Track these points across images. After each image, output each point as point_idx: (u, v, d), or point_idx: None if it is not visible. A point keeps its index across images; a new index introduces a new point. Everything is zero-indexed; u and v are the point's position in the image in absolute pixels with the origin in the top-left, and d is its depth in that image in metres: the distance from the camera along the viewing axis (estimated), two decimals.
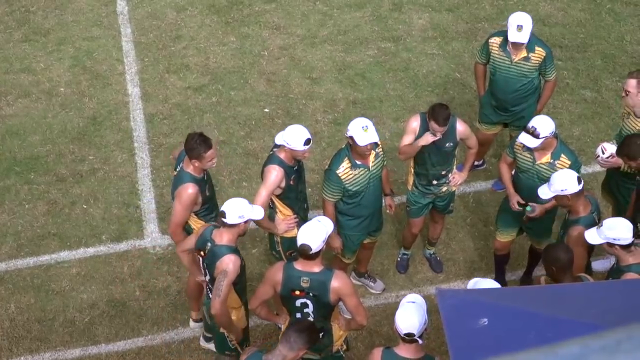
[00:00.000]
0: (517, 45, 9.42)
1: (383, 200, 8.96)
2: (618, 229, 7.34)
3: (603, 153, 8.65)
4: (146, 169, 10.90)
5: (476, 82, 10.13)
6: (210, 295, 7.81)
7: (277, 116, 11.57)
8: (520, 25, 9.30)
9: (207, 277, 7.75)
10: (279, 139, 8.20)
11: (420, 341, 6.78)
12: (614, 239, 7.33)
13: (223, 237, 7.51)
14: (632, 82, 8.50)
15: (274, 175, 8.16)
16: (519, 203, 8.63)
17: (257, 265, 9.71)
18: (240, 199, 7.63)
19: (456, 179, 9.09)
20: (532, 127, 8.17)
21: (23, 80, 12.27)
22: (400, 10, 13.31)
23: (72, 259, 9.96)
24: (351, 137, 8.17)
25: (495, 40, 9.63)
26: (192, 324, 9.24)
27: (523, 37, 9.32)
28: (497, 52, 9.59)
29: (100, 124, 11.55)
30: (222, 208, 7.48)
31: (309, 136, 8.14)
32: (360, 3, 13.48)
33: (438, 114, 8.50)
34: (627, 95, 8.56)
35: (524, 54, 9.46)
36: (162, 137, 11.35)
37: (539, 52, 9.48)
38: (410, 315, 6.78)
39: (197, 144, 7.97)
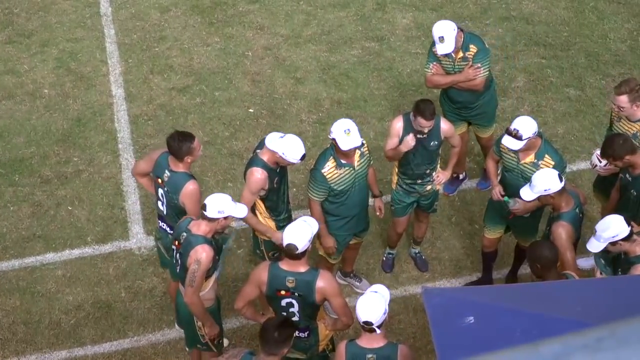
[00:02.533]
0: (447, 54, 9.43)
1: (371, 201, 8.97)
2: (612, 226, 7.37)
3: (600, 162, 8.67)
4: (131, 170, 10.87)
5: (436, 83, 9.94)
6: (181, 288, 7.85)
7: (262, 116, 11.57)
8: (441, 37, 9.30)
9: (179, 267, 7.76)
10: (273, 144, 8.14)
11: (378, 331, 6.79)
12: (614, 237, 7.36)
13: (200, 228, 7.53)
14: (624, 99, 8.50)
15: (257, 177, 8.16)
16: (500, 194, 8.65)
17: (243, 265, 9.70)
18: (225, 195, 7.65)
19: (440, 177, 9.11)
20: (515, 129, 8.18)
21: (7, 82, 12.22)
22: (384, 9, 13.32)
23: (57, 260, 9.94)
24: (334, 140, 8.19)
25: (436, 48, 9.58)
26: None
27: (447, 47, 9.32)
28: (441, 58, 9.57)
29: (84, 126, 11.53)
30: (205, 200, 7.51)
31: (305, 151, 8.16)
32: (344, 3, 13.48)
33: (424, 109, 8.54)
34: (620, 110, 8.58)
35: (460, 54, 9.48)
36: (146, 138, 11.33)
37: (472, 49, 9.50)
38: (370, 304, 6.81)
39: (180, 141, 8.00)
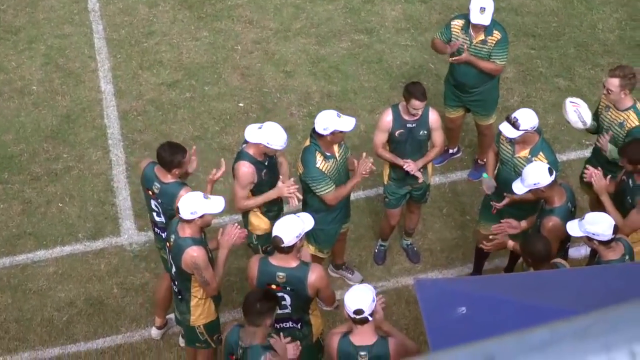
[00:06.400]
0: (478, 28, 9.47)
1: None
2: (599, 224, 7.34)
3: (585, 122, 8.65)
4: (121, 166, 10.86)
5: (436, 49, 10.03)
6: (176, 290, 7.93)
7: (252, 110, 11.55)
8: (483, 8, 9.36)
9: (174, 270, 7.76)
10: (254, 137, 8.17)
11: (370, 319, 6.79)
12: (593, 234, 7.34)
13: (185, 231, 7.52)
14: (615, 82, 8.48)
15: (244, 171, 8.19)
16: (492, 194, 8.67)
17: (235, 259, 9.67)
18: (195, 193, 7.60)
19: (411, 164, 8.91)
20: (514, 117, 8.18)
21: None
22: (372, 2, 13.30)
23: (48, 257, 9.91)
24: (333, 133, 8.18)
25: (458, 23, 9.68)
26: (154, 331, 9.16)
27: (485, 19, 9.38)
28: (458, 33, 9.62)
29: (73, 122, 11.49)
30: (177, 203, 7.48)
31: (286, 135, 8.24)
32: None
33: (415, 90, 8.63)
34: (609, 93, 8.55)
35: (482, 36, 9.52)
36: (136, 134, 11.30)
37: (496, 35, 9.54)
38: (358, 293, 6.83)
39: (171, 153, 7.99)
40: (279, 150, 8.25)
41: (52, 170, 10.84)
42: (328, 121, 8.20)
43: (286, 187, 8.32)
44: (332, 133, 8.20)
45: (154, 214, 8.37)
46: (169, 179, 8.07)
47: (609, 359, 1.48)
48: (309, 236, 8.69)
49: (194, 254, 7.45)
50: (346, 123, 8.21)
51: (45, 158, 10.99)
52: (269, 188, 8.41)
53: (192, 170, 8.33)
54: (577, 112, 8.66)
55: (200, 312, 7.87)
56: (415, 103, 8.61)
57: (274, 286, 7.38)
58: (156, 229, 8.52)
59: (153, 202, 8.28)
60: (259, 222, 8.54)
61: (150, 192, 8.24)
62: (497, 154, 8.76)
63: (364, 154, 8.57)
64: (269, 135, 8.11)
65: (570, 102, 8.71)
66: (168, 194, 8.04)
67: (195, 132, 11.26)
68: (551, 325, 1.52)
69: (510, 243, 8.19)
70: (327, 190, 8.40)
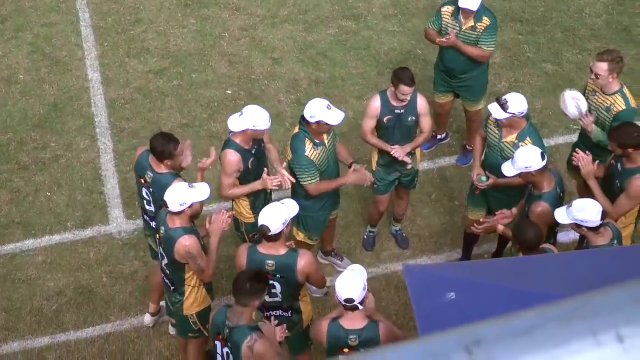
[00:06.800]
0: (467, 13, 9.48)
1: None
2: (587, 211, 7.34)
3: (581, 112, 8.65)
4: (109, 155, 10.83)
5: (430, 40, 10.07)
6: (167, 282, 7.93)
7: (240, 98, 11.53)
8: None
9: (165, 261, 7.75)
10: (238, 126, 8.13)
11: (360, 307, 6.82)
12: (582, 221, 7.34)
13: (175, 222, 7.51)
14: (603, 66, 8.47)
15: (230, 159, 8.17)
16: (478, 175, 8.65)
17: (225, 247, 9.64)
18: (180, 184, 7.59)
19: (398, 150, 8.94)
20: (505, 99, 8.18)
21: None
22: None
23: (37, 247, 9.89)
24: (319, 123, 8.17)
25: (448, 9, 9.70)
26: (147, 318, 9.15)
27: (473, 4, 9.39)
28: (448, 20, 9.64)
29: (61, 111, 11.46)
30: (164, 197, 7.46)
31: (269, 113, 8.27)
32: None
33: (404, 76, 8.64)
34: (597, 78, 8.55)
35: (471, 22, 9.52)
36: (124, 122, 11.28)
37: (485, 22, 9.54)
38: (349, 282, 6.84)
39: (164, 144, 7.96)
40: (266, 130, 8.23)
41: (40, 159, 10.81)
42: (316, 110, 8.18)
43: (270, 180, 8.31)
44: (318, 123, 8.18)
45: (145, 202, 8.36)
46: (162, 169, 8.06)
47: (595, 343, 1.49)
48: (299, 223, 8.70)
49: (186, 243, 7.45)
50: (334, 117, 8.17)
51: (33, 147, 10.96)
52: (255, 177, 8.40)
53: (186, 164, 8.31)
54: (578, 106, 8.66)
55: (193, 300, 7.87)
56: (404, 89, 8.61)
57: None
58: (145, 216, 8.52)
59: (145, 191, 8.27)
60: (243, 210, 8.53)
61: (142, 180, 8.23)
62: (485, 139, 8.76)
63: (365, 167, 8.62)
64: (252, 118, 8.10)
65: (573, 97, 8.68)
66: (161, 184, 8.03)
67: (183, 120, 11.24)
68: (537, 309, 1.52)
69: (500, 227, 8.21)
70: (310, 181, 8.38)
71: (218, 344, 7.10)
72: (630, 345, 1.50)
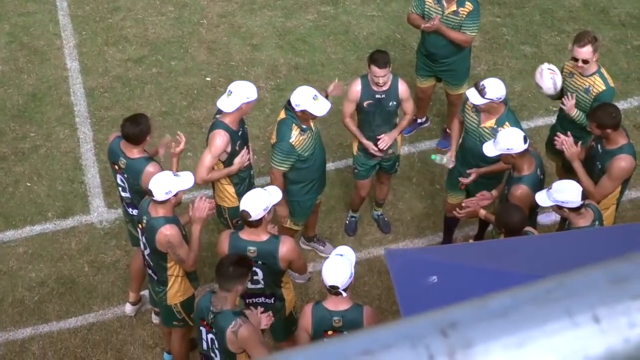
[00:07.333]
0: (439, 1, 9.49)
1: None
2: (567, 192, 7.36)
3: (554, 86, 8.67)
4: (89, 144, 10.79)
5: (413, 24, 10.03)
6: (150, 272, 7.93)
7: (220, 84, 11.49)
8: None
9: (147, 251, 7.74)
10: (231, 104, 8.10)
11: (344, 294, 6.84)
12: (563, 202, 7.36)
13: (158, 211, 7.49)
14: (589, 50, 8.45)
15: (220, 139, 8.13)
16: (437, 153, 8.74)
17: (206, 234, 9.65)
18: (165, 172, 7.58)
19: (385, 139, 8.98)
20: (482, 85, 8.18)
21: None
22: None
23: (18, 237, 9.85)
24: (304, 111, 8.15)
25: None
26: (128, 307, 9.11)
27: None
28: (431, 4, 9.61)
29: (40, 100, 11.40)
30: (149, 186, 7.43)
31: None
32: None
33: (377, 58, 8.66)
34: (585, 64, 8.53)
35: (453, 7, 9.51)
36: (103, 111, 11.23)
37: (468, 7, 9.53)
38: (335, 268, 6.86)
39: (136, 125, 7.95)
40: (256, 98, 8.24)
41: (19, 149, 10.76)
42: (302, 99, 8.15)
43: (240, 157, 8.31)
44: (303, 111, 8.17)
45: (120, 189, 8.34)
46: (134, 154, 8.03)
47: (571, 324, 1.49)
48: None
49: (167, 232, 7.43)
50: (319, 107, 8.15)
51: (12, 137, 10.90)
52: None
53: (162, 154, 8.31)
54: (553, 79, 8.67)
55: (177, 289, 7.86)
56: (375, 70, 8.59)
57: None
58: (125, 205, 8.50)
59: (119, 177, 8.25)
60: (226, 194, 8.51)
61: (116, 167, 8.21)
62: (462, 123, 8.78)
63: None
64: (242, 92, 8.11)
65: (549, 69, 8.70)
66: (134, 169, 8.01)
67: (162, 107, 11.21)
68: (513, 290, 1.53)
69: (482, 212, 8.23)
70: (279, 167, 8.37)
71: (203, 329, 7.10)
72: (607, 325, 1.50)
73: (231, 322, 6.77)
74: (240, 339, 6.73)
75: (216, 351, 7.03)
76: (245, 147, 8.42)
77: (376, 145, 9.02)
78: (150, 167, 7.93)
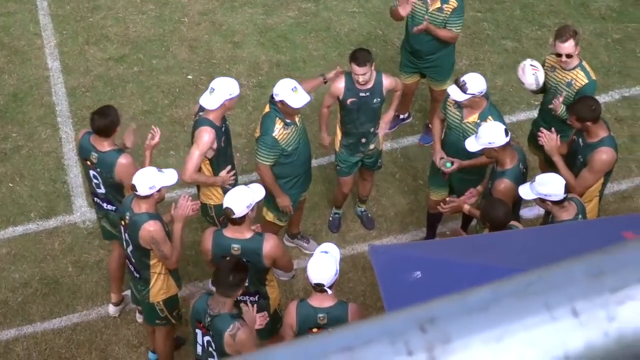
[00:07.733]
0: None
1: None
2: (550, 184, 7.39)
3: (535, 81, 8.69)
4: (71, 144, 10.74)
5: (396, 18, 9.97)
6: (132, 269, 7.91)
7: (201, 82, 11.46)
8: None
9: (130, 248, 7.73)
10: (214, 101, 8.09)
11: (329, 292, 6.85)
12: (546, 195, 7.39)
13: (141, 207, 7.48)
14: (571, 44, 8.45)
15: (207, 136, 8.11)
16: (441, 159, 8.68)
17: (190, 233, 9.64)
18: (149, 168, 7.58)
19: (383, 130, 9.13)
20: (463, 81, 8.20)
21: None
22: None
23: (0, 239, 9.81)
24: (282, 102, 8.15)
25: None
26: (111, 308, 9.10)
27: None
28: (415, 1, 9.57)
29: (21, 100, 11.35)
30: (133, 181, 7.41)
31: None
32: None
33: (357, 56, 8.65)
34: (569, 58, 8.55)
35: (437, 4, 9.49)
36: (85, 110, 11.17)
37: (452, 3, 9.51)
38: (320, 266, 6.87)
39: (106, 116, 7.99)
40: (238, 96, 8.26)
41: (1, 150, 10.71)
42: (282, 89, 8.17)
43: (225, 171, 8.34)
44: (281, 102, 8.18)
45: (94, 184, 8.32)
46: (105, 147, 8.03)
47: (550, 318, 1.49)
48: (269, 203, 8.68)
49: (150, 228, 7.42)
50: (296, 99, 8.14)
51: None
52: (225, 156, 8.39)
53: (130, 144, 8.31)
54: (535, 75, 8.69)
55: (159, 287, 7.84)
56: (355, 68, 8.60)
57: (228, 258, 7.36)
58: (96, 199, 8.49)
59: (92, 172, 8.23)
60: (212, 191, 8.51)
61: (88, 163, 8.20)
62: (444, 120, 8.79)
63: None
64: (225, 88, 8.11)
65: (531, 65, 8.72)
66: (106, 162, 8.02)
67: (144, 106, 11.17)
68: (493, 284, 1.53)
69: (466, 207, 8.24)
70: (264, 162, 8.37)
71: (198, 332, 7.06)
72: (586, 318, 1.51)
73: (229, 325, 6.75)
74: (237, 342, 6.73)
75: (213, 353, 7.01)
76: (230, 167, 8.42)
77: (360, 142, 9.04)
78: (122, 159, 7.95)
